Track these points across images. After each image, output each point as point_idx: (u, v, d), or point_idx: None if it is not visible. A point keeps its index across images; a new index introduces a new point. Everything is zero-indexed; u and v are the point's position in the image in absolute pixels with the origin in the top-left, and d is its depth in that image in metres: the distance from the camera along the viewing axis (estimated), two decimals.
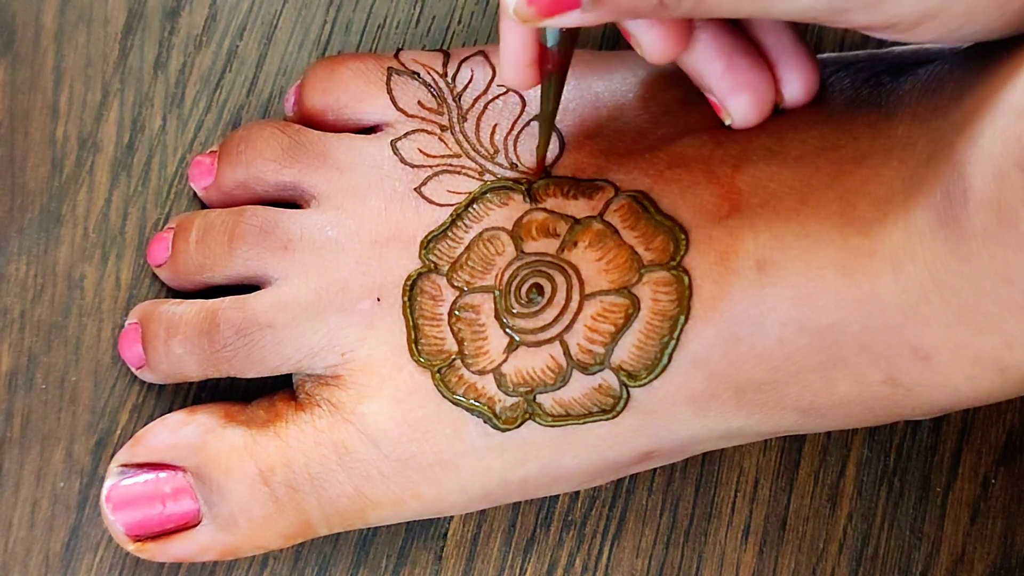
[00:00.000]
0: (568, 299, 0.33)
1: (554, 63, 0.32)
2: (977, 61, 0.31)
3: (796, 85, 0.34)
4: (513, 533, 0.38)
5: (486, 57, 0.37)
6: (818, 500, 0.38)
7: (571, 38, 0.32)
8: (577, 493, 0.38)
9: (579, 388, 0.33)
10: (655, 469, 0.38)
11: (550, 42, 0.32)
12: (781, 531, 0.38)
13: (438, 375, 0.34)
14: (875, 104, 0.33)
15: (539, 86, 0.33)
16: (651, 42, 0.31)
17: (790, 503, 0.38)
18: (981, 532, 0.38)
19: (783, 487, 0.38)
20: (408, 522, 0.37)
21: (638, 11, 0.29)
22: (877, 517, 0.38)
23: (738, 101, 0.33)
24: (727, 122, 0.34)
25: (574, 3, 0.29)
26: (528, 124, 0.36)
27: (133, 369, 0.37)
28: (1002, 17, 0.28)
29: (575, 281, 0.33)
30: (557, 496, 0.38)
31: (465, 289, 0.34)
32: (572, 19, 0.29)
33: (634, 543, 0.38)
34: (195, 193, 0.38)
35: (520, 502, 0.37)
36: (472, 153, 0.36)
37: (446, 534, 0.37)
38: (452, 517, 0.37)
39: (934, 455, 0.38)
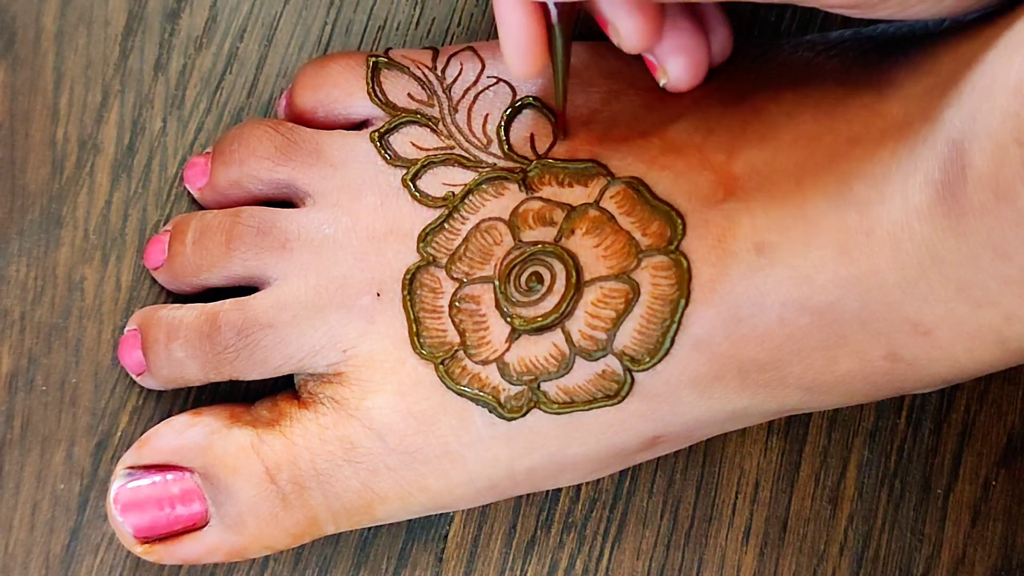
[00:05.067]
0: (568, 286, 0.33)
1: (561, 14, 0.33)
2: (968, 38, 0.32)
3: (717, 48, 0.35)
4: (514, 535, 0.37)
5: (475, 51, 0.37)
6: (819, 502, 0.38)
7: None
8: (578, 495, 0.38)
9: (583, 375, 0.33)
10: (656, 470, 0.38)
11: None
12: (782, 533, 0.38)
13: (441, 367, 0.34)
14: (867, 84, 0.33)
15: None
16: (629, 30, 0.33)
17: (791, 505, 0.38)
18: (982, 534, 0.38)
19: (784, 489, 0.38)
20: (408, 524, 0.37)
21: None
22: (878, 519, 0.38)
23: (676, 63, 0.34)
24: (662, 82, 0.35)
25: None
26: (520, 112, 0.36)
27: (133, 375, 0.37)
28: None
29: (574, 268, 0.33)
30: (558, 498, 0.38)
31: (465, 280, 0.34)
32: None
33: (635, 545, 0.38)
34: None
35: (521, 504, 0.37)
36: (465, 144, 0.36)
37: (447, 536, 0.37)
38: (453, 519, 0.37)
39: (935, 457, 0.38)
